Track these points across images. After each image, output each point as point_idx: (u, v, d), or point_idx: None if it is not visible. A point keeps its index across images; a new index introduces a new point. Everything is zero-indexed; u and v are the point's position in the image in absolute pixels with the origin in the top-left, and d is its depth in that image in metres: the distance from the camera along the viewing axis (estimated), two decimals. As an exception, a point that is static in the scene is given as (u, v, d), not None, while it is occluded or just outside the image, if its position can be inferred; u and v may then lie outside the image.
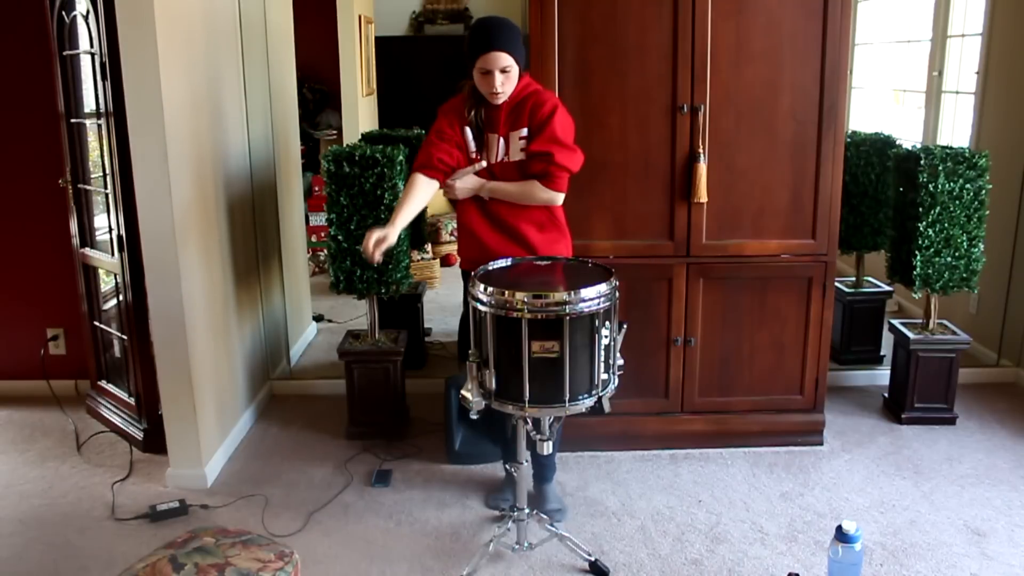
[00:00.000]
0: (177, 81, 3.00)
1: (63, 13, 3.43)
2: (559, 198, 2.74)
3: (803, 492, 3.12)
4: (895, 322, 3.75)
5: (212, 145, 3.36)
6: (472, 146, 2.74)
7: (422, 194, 2.69)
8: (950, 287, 3.51)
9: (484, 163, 2.73)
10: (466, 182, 2.73)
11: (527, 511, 2.68)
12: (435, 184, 2.72)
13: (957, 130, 4.48)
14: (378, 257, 2.55)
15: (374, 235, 2.53)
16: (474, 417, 2.42)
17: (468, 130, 2.74)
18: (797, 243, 3.26)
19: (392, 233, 2.56)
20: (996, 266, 3.94)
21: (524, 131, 2.68)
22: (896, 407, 3.71)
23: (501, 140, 2.71)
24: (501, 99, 2.66)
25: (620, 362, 2.47)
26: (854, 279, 4.21)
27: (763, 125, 3.16)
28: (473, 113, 2.72)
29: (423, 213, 4.24)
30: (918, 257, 3.46)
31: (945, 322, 3.71)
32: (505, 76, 2.60)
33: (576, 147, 2.73)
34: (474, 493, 3.13)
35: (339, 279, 3.46)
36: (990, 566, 2.67)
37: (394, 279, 3.48)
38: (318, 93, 7.39)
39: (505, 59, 2.57)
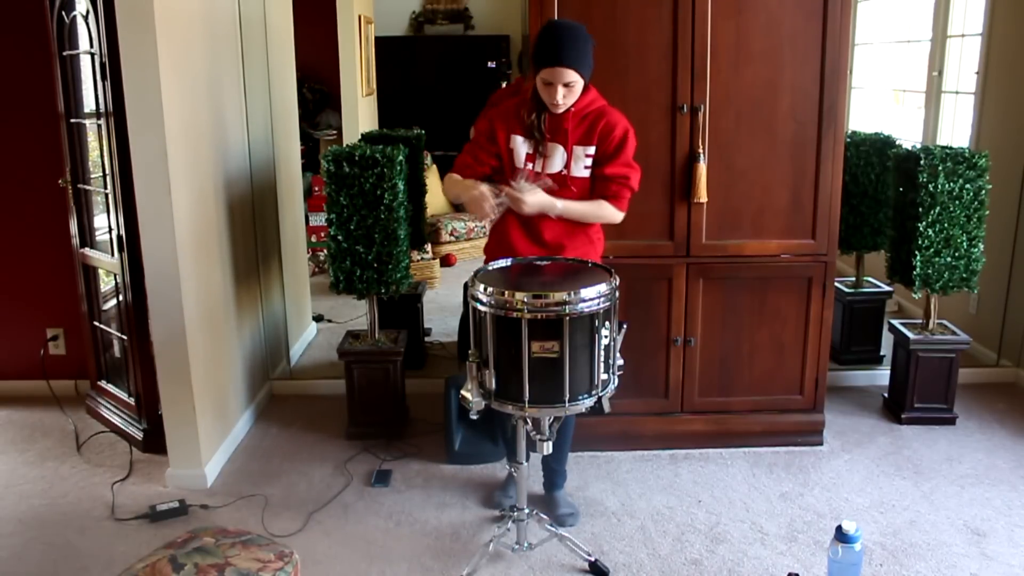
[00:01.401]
0: (177, 81, 3.00)
1: (63, 13, 3.43)
2: (621, 216, 2.77)
3: (803, 492, 3.12)
4: (895, 322, 3.75)
5: (212, 145, 3.36)
6: (522, 154, 2.70)
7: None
8: (950, 287, 3.51)
9: (532, 170, 2.68)
10: (537, 197, 2.61)
11: (527, 511, 2.68)
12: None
13: (957, 130, 4.48)
14: (492, 213, 2.60)
15: (486, 196, 2.56)
16: (474, 417, 2.42)
17: (519, 138, 2.70)
18: (797, 243, 3.26)
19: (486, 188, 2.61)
20: (996, 266, 3.94)
21: (592, 149, 2.66)
22: (896, 407, 3.71)
23: (563, 151, 2.68)
24: (561, 110, 2.64)
25: (620, 362, 2.47)
26: (854, 279, 4.21)
27: (763, 125, 3.16)
28: (535, 117, 2.66)
29: (423, 213, 4.24)
30: (918, 257, 3.46)
31: (945, 322, 3.71)
32: (568, 90, 2.57)
33: (638, 166, 2.75)
34: (474, 493, 3.13)
35: (339, 279, 3.46)
36: (990, 566, 2.67)
37: (394, 279, 3.48)
38: (318, 93, 7.39)
39: (570, 75, 2.53)
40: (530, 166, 2.70)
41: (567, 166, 2.69)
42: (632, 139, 2.70)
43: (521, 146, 2.70)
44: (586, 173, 2.70)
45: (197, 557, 1.93)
